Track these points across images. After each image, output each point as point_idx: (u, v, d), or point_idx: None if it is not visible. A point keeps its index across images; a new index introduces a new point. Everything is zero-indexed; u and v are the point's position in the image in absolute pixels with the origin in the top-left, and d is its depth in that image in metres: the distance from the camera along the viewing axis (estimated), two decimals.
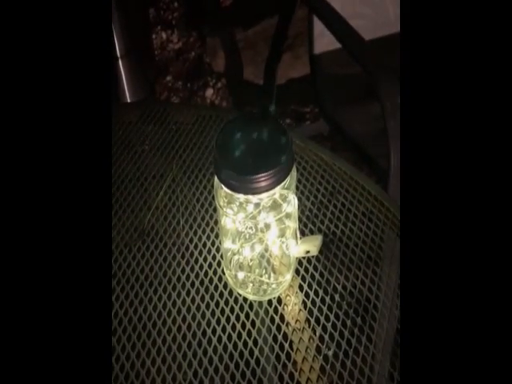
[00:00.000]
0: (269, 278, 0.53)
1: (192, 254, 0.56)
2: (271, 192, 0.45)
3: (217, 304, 0.52)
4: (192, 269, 0.55)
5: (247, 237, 0.51)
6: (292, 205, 0.48)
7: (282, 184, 0.45)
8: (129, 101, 1.27)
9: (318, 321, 0.50)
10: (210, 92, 1.47)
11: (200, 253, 0.56)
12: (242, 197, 0.45)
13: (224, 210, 0.48)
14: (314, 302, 0.52)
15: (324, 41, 1.06)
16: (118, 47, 1.26)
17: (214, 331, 0.50)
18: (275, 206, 0.47)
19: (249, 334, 0.50)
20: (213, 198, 0.61)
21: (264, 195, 0.45)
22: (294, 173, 0.47)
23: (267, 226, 0.49)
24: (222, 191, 0.46)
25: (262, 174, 0.43)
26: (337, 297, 0.52)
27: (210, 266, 0.55)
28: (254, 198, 0.46)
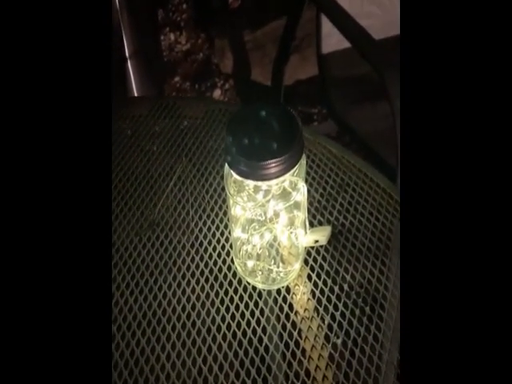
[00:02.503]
0: (278, 267, 0.53)
1: (201, 244, 0.56)
2: (281, 179, 0.45)
3: (226, 292, 0.52)
4: (201, 258, 0.55)
5: (256, 226, 0.51)
6: (301, 193, 0.49)
7: (292, 171, 0.45)
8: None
9: (326, 310, 0.50)
10: (217, 93, 1.48)
11: (209, 242, 0.57)
12: (251, 183, 0.46)
13: (234, 198, 0.48)
14: (322, 292, 0.52)
15: (332, 41, 1.06)
16: (127, 48, 1.27)
17: (223, 319, 0.50)
18: (285, 194, 0.48)
19: (258, 322, 0.50)
20: (222, 189, 0.61)
21: (273, 182, 0.45)
22: (303, 161, 0.47)
23: (276, 215, 0.50)
24: (232, 179, 0.47)
25: (272, 160, 0.43)
26: (345, 286, 0.52)
27: (219, 255, 0.55)
28: (263, 185, 0.46)
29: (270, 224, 0.51)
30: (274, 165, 0.43)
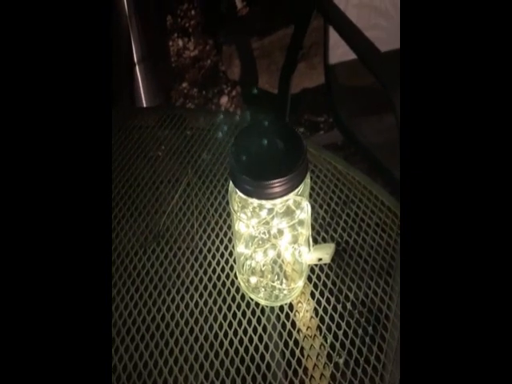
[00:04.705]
0: (281, 283, 0.53)
1: (205, 258, 0.57)
2: (285, 198, 0.45)
3: (229, 308, 0.52)
4: (205, 272, 0.56)
5: (260, 242, 0.52)
6: (305, 212, 0.49)
7: (296, 190, 0.45)
8: (145, 106, 1.29)
9: (329, 328, 0.50)
10: (224, 99, 1.49)
11: (213, 256, 0.57)
12: (255, 202, 0.46)
13: (238, 214, 0.49)
14: (325, 310, 0.52)
15: (339, 51, 1.06)
16: (136, 53, 1.28)
17: (225, 334, 0.50)
18: (289, 212, 0.48)
19: (260, 338, 0.50)
20: (227, 203, 0.62)
21: (278, 201, 0.46)
22: (307, 180, 0.47)
23: (280, 232, 0.50)
24: (237, 196, 0.47)
25: (276, 180, 0.43)
26: (348, 305, 0.52)
27: (223, 269, 0.56)
28: (267, 204, 0.46)
29: (274, 240, 0.51)
30: (278, 184, 0.44)
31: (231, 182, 0.47)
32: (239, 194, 0.46)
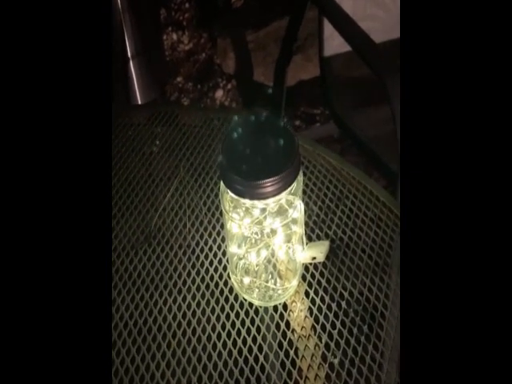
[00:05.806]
0: (275, 283, 0.52)
1: (198, 258, 0.56)
2: (277, 197, 0.44)
3: (222, 309, 0.52)
4: (198, 272, 0.55)
5: (253, 242, 0.51)
6: (298, 210, 0.48)
7: (289, 189, 0.44)
8: (139, 101, 1.28)
9: (323, 328, 0.50)
10: (220, 93, 1.47)
11: (206, 256, 0.56)
12: (247, 202, 0.45)
13: (230, 214, 0.48)
14: (320, 309, 0.51)
15: (334, 43, 1.05)
16: (129, 48, 1.27)
17: (219, 336, 0.50)
18: (281, 212, 0.47)
19: (254, 339, 0.49)
20: (219, 201, 0.61)
21: (270, 200, 0.45)
22: (300, 178, 0.46)
23: (273, 232, 0.49)
24: (228, 196, 0.46)
25: (268, 180, 0.42)
26: (343, 304, 0.51)
27: (216, 270, 0.55)
28: (259, 204, 0.45)
29: (268, 239, 0.50)
30: (270, 184, 0.43)
31: (222, 182, 0.46)
32: (230, 194, 0.45)
